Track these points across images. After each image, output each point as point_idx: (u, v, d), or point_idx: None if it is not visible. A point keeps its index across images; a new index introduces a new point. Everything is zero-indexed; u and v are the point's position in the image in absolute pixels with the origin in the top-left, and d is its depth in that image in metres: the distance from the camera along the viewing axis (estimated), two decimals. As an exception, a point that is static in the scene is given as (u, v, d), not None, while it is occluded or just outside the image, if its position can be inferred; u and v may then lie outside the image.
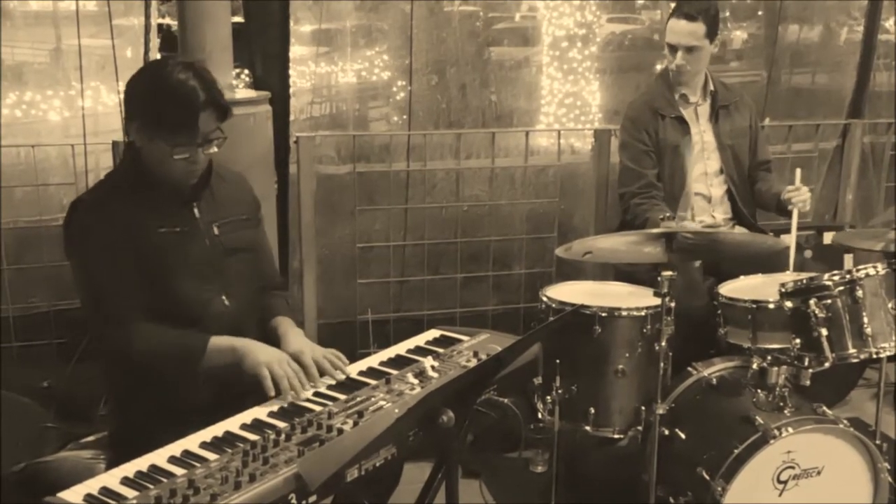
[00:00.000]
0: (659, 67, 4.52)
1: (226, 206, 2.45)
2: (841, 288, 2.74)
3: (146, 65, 2.39)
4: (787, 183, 3.56)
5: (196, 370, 2.23)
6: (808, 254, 4.10)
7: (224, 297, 2.38)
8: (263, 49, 3.68)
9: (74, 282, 2.32)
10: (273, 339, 2.43)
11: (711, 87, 3.68)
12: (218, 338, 2.26)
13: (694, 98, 3.67)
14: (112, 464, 1.99)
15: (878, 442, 2.88)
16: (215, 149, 2.31)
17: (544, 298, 3.12)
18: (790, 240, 3.31)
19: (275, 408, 2.13)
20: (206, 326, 2.31)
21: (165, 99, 2.24)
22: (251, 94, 3.46)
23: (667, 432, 2.84)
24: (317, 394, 2.21)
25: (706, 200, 3.68)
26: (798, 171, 3.49)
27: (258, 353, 2.23)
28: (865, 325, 2.73)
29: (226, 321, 2.35)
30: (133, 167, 2.35)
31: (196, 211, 2.38)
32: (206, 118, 2.25)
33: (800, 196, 3.45)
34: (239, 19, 3.63)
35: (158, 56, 3.78)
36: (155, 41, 3.75)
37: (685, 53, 3.52)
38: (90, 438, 3.00)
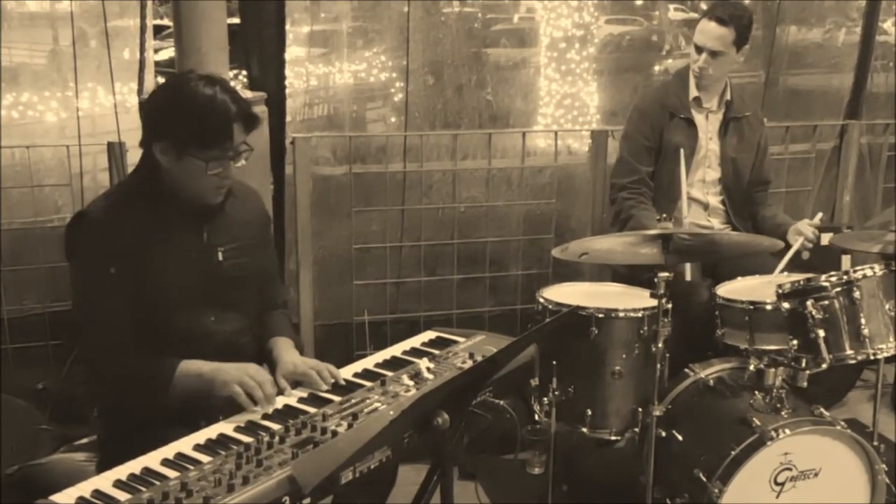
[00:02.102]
0: (657, 69, 4.53)
1: (235, 228, 2.37)
2: (838, 289, 2.74)
3: (167, 81, 2.27)
4: (792, 216, 3.62)
5: (166, 399, 2.17)
6: (805, 255, 4.09)
7: (218, 324, 2.33)
8: (260, 50, 3.67)
9: (70, 288, 2.30)
10: (269, 361, 2.40)
11: (728, 97, 3.63)
12: (187, 363, 2.19)
13: (708, 104, 3.62)
14: (102, 466, 1.98)
15: (875, 443, 2.88)
16: (244, 161, 2.25)
17: (541, 299, 3.12)
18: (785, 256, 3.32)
19: (269, 410, 2.12)
20: (197, 352, 2.24)
21: (198, 114, 2.17)
22: (247, 95, 3.45)
23: (664, 434, 2.83)
24: (312, 395, 2.21)
25: (702, 207, 3.66)
26: (819, 215, 3.53)
27: (225, 373, 2.17)
28: (863, 327, 2.73)
29: (218, 348, 2.28)
30: (148, 185, 2.26)
31: (205, 234, 2.32)
32: (238, 130, 2.21)
33: (808, 233, 3.43)
34: (235, 20, 3.62)
35: (154, 57, 3.77)
36: (151, 42, 3.74)
37: (709, 57, 3.48)
38: (83, 441, 3.01)
